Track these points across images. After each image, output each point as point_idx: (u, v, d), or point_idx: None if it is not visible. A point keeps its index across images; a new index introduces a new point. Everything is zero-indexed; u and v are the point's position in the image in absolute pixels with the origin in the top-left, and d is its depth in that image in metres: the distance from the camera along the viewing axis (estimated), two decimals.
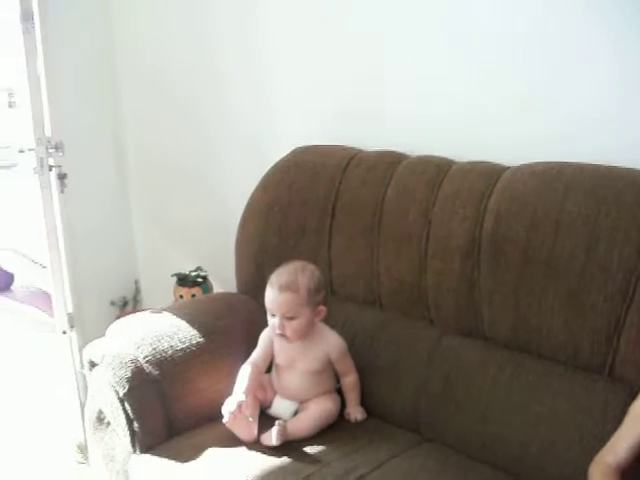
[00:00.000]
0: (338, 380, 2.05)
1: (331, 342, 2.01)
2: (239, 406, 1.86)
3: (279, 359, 2.03)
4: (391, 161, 2.14)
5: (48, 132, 2.79)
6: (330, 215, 2.21)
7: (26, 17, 2.68)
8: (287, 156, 2.37)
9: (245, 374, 1.97)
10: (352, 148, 2.29)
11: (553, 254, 1.73)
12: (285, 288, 1.91)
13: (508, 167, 1.93)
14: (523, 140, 2.00)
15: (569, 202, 1.73)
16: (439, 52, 2.16)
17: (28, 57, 2.72)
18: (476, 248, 1.88)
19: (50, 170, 2.79)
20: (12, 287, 6.34)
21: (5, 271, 6.19)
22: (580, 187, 1.73)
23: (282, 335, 1.94)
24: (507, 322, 1.84)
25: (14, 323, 5.32)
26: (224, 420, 1.89)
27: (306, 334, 1.97)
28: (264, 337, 2.04)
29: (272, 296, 1.93)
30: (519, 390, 1.79)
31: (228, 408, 1.88)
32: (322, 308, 1.98)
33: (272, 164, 2.39)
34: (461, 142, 2.12)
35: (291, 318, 1.92)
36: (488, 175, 1.92)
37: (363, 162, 2.20)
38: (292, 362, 2.00)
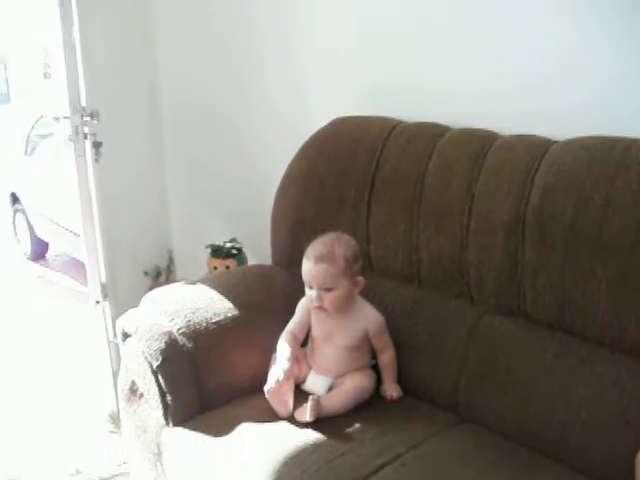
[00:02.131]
0: (374, 357, 2.01)
1: (369, 317, 1.97)
2: (286, 374, 1.84)
3: (316, 331, 1.99)
4: (433, 133, 2.08)
5: (83, 100, 2.77)
6: (369, 187, 2.15)
7: None
8: (327, 125, 2.32)
9: (285, 343, 1.94)
10: (393, 119, 2.23)
11: (602, 232, 1.66)
12: (321, 259, 1.88)
13: (555, 141, 1.85)
14: (567, 111, 1.92)
15: (620, 178, 1.65)
16: (475, 25, 2.10)
17: (64, 26, 2.71)
18: (520, 224, 1.81)
19: (85, 138, 2.77)
20: (46, 255, 6.42)
21: (40, 239, 6.25)
22: (632, 162, 1.65)
23: (320, 307, 1.91)
24: (551, 302, 1.77)
25: (48, 292, 5.39)
26: (268, 388, 1.85)
27: (344, 306, 1.93)
28: (301, 307, 2.01)
29: (308, 268, 1.90)
30: (562, 372, 1.73)
31: (275, 376, 1.85)
32: (360, 279, 1.94)
33: (309, 135, 2.34)
34: (504, 114, 2.04)
35: (328, 289, 1.89)
36: (535, 148, 1.85)
37: (404, 133, 2.13)
38: (329, 335, 1.97)
